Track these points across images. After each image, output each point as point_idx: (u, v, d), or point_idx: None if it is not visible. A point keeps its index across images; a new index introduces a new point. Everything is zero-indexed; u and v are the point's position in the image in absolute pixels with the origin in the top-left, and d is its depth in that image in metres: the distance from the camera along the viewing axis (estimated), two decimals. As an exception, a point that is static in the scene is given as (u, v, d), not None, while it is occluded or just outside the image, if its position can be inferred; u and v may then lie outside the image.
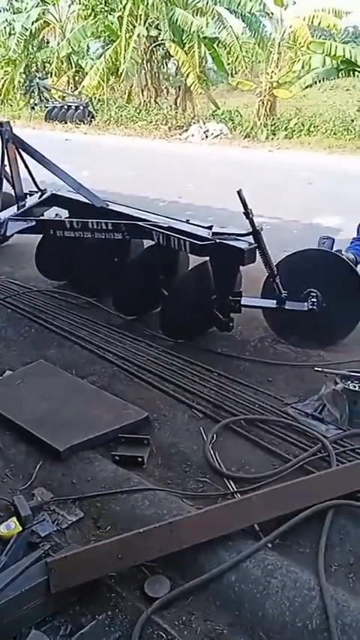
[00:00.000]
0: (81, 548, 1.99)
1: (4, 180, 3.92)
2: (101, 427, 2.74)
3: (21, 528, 2.15)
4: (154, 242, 3.64)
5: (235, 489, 2.43)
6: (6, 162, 3.81)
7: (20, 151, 3.87)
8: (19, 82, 23.38)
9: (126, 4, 18.15)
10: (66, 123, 18.82)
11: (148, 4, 17.59)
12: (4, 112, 21.80)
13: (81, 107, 19.18)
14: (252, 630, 1.84)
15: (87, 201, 3.94)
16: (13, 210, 3.93)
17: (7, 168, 3.85)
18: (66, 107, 19.52)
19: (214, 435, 2.76)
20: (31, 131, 15.75)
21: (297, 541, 2.16)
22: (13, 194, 4.19)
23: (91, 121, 18.95)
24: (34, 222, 3.81)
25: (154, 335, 3.76)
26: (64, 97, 21.59)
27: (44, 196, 4.19)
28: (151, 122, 18.15)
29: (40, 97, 22.14)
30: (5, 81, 23.50)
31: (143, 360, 3.44)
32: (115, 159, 11.91)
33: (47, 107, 20.27)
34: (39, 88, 22.21)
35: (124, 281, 3.84)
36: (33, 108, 21.56)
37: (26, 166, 4.00)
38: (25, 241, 4.73)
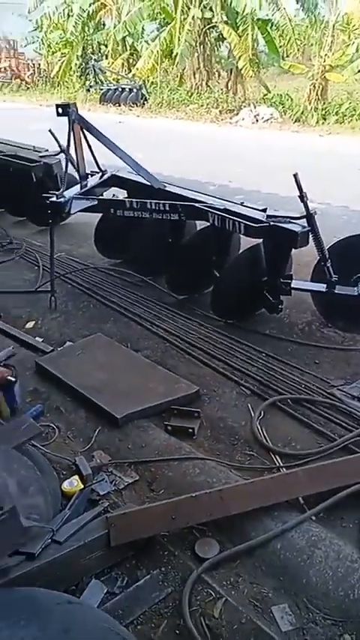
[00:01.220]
0: (138, 507, 2.13)
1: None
2: (155, 398, 2.87)
3: (82, 486, 2.32)
4: (208, 223, 3.72)
5: (281, 464, 2.52)
6: (71, 142, 3.93)
7: (84, 131, 3.98)
8: (76, 64, 23.62)
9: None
10: (119, 105, 18.91)
11: (203, -15, 17.41)
12: (61, 94, 22.11)
13: (134, 90, 19.22)
14: (296, 596, 1.93)
15: (145, 182, 4.04)
16: (76, 189, 4.07)
17: (72, 149, 3.98)
18: (120, 90, 19.59)
19: (262, 412, 2.85)
20: (87, 113, 15.76)
21: (340, 516, 2.23)
22: (76, 174, 4.33)
23: (143, 104, 18.98)
24: (96, 202, 3.94)
25: (204, 314, 3.86)
26: (118, 79, 21.67)
27: (105, 177, 4.31)
28: (202, 105, 18.04)
29: (95, 79, 22.30)
30: (62, 63, 23.79)
31: (194, 338, 3.55)
32: (166, 142, 11.95)
33: (102, 89, 20.40)
34: (95, 70, 22.36)
35: (178, 261, 3.94)
36: (88, 90, 21.73)
37: (89, 147, 4.13)
38: (83, 220, 4.89)
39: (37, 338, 3.65)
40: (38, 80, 25.70)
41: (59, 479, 2.37)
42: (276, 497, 2.20)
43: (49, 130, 5.14)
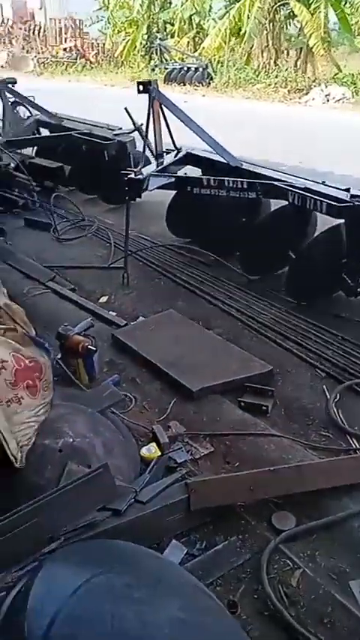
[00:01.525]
0: (218, 476, 2.19)
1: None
2: (229, 374, 2.91)
3: (160, 453, 2.40)
4: (284, 203, 3.69)
5: (358, 447, 2.51)
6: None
7: (163, 109, 4.02)
8: (141, 43, 23.61)
9: None
10: (184, 85, 18.81)
11: None
12: (125, 74, 22.20)
13: (200, 69, 19.06)
14: (375, 574, 1.95)
15: (221, 160, 4.05)
16: (152, 166, 4.12)
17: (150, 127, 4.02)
18: (185, 69, 19.48)
19: (338, 395, 2.84)
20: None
21: None
22: (149, 151, 4.38)
23: (209, 83, 18.81)
24: (173, 179, 3.98)
25: (277, 295, 3.84)
26: (183, 58, 21.53)
27: (180, 155, 4.34)
28: (269, 85, 17.70)
29: (160, 58, 22.24)
30: (127, 42, 23.85)
31: (266, 319, 3.56)
32: (233, 122, 11.81)
33: (167, 69, 20.33)
34: (160, 50, 22.28)
35: (252, 241, 3.93)
36: (153, 69, 21.71)
37: (167, 125, 4.16)
38: (153, 200, 4.95)
39: (110, 312, 3.75)
40: (102, 60, 25.88)
41: (137, 445, 2.47)
42: (355, 477, 2.21)
43: (125, 108, 5.22)
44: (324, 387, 2.93)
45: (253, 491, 2.12)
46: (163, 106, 4.02)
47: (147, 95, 3.92)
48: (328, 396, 2.82)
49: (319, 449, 2.50)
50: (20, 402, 2.02)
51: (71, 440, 2.14)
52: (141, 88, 3.92)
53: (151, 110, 3.94)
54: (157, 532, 2.03)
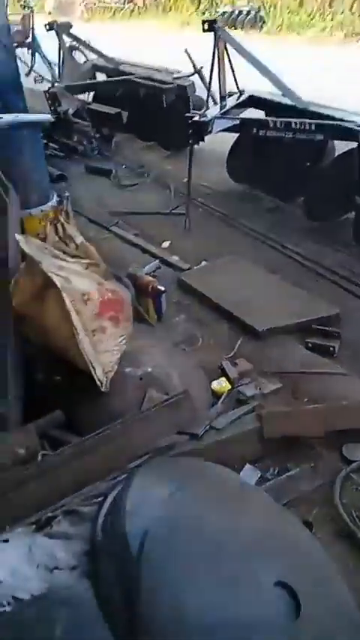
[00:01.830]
0: (290, 408, 2.27)
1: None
2: (295, 316, 2.96)
3: (230, 387, 2.49)
4: (351, 147, 3.61)
5: None
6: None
7: (228, 49, 3.92)
8: (190, -15, 22.65)
9: None
10: (236, 29, 18.06)
11: None
12: (174, 19, 21.45)
13: (252, 12, 18.22)
14: None
15: (286, 102, 3.96)
16: (216, 109, 4.07)
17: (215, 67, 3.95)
18: (237, 12, 18.66)
19: None
20: (202, 36, 15.43)
21: None
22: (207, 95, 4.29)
23: (261, 27, 17.99)
24: (238, 121, 3.93)
25: (342, 241, 3.80)
26: (234, 1, 20.58)
27: (242, 97, 4.25)
28: (324, 29, 16.79)
29: (210, 1, 21.32)
30: (176, -14, 22.93)
31: (331, 263, 3.54)
32: (288, 66, 11.36)
33: (217, 12, 19.51)
34: (210, -8, 21.33)
35: (317, 185, 3.88)
36: (203, 13, 20.88)
37: (231, 66, 4.07)
38: (210, 147, 4.89)
39: (173, 257, 3.81)
40: (150, 5, 25.03)
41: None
42: None
43: (185, 50, 5.11)
44: (392, 331, 2.93)
45: (325, 424, 2.19)
46: (227, 47, 3.92)
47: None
48: None
49: (388, 389, 2.53)
50: (104, 332, 2.12)
51: (150, 369, 2.25)
52: (206, 26, 3.83)
53: (215, 50, 3.85)
54: (232, 457, 2.13)
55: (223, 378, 2.55)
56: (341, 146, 3.86)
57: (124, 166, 5.42)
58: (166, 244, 4.05)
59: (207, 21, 3.86)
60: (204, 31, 3.88)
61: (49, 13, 24.09)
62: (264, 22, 18.28)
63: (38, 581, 1.41)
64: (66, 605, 1.29)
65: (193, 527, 1.45)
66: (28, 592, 1.38)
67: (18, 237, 2.17)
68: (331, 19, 17.12)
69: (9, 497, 1.80)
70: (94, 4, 24.74)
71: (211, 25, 3.85)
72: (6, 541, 1.55)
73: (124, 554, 1.23)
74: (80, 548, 1.39)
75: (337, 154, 3.98)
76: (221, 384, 2.51)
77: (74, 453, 1.90)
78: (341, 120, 3.59)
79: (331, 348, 2.78)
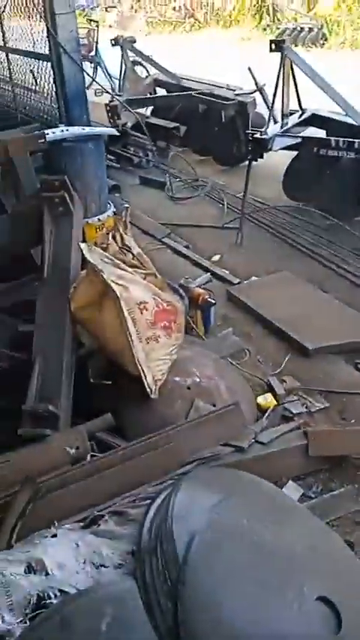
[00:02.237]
0: (336, 428, 2.27)
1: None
2: (345, 336, 2.94)
3: (276, 403, 2.51)
4: None
5: None
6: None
7: (293, 69, 3.97)
8: (251, 2, 22.82)
9: None
10: (297, 45, 18.08)
11: None
12: (235, 35, 21.65)
13: (315, 29, 18.20)
14: None
15: (348, 121, 3.96)
16: (277, 127, 4.11)
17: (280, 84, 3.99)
18: (299, 29, 18.68)
19: None
20: (262, 52, 15.48)
21: None
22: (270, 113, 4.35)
23: (323, 44, 17.95)
24: (299, 139, 3.97)
25: None
26: (296, 18, 20.63)
27: (304, 115, 4.28)
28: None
29: (272, 18, 21.45)
30: (237, 1, 23.15)
31: (385, 285, 3.51)
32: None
33: (279, 28, 19.59)
34: (272, 9, 21.48)
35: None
36: (265, 29, 21.02)
37: (295, 84, 4.10)
38: (266, 163, 4.92)
39: (223, 270, 3.85)
40: (211, 19, 25.32)
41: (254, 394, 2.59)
42: None
43: (248, 68, 5.17)
44: None
45: (371, 446, 2.18)
46: (293, 65, 3.96)
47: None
48: None
49: None
50: (157, 341, 2.19)
51: (198, 380, 2.30)
52: (273, 46, 3.89)
53: (281, 69, 3.90)
54: (276, 472, 2.15)
55: (269, 394, 2.57)
56: None
57: (178, 179, 5.51)
58: (216, 258, 4.10)
59: (275, 41, 3.92)
60: (271, 50, 3.94)
61: (110, 26, 24.77)
62: (326, 39, 18.25)
63: (84, 576, 1.47)
64: (111, 601, 1.33)
65: (238, 536, 1.48)
66: (75, 586, 1.44)
67: (82, 245, 2.27)
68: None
69: (57, 495, 1.86)
70: (155, 17, 25.28)
71: (278, 45, 3.90)
72: (54, 536, 1.61)
73: (170, 556, 1.27)
74: (126, 548, 1.43)
75: None
76: (267, 400, 2.52)
77: (122, 456, 1.96)
78: None
79: (381, 371, 2.76)
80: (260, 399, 2.54)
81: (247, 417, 2.34)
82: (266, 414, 2.40)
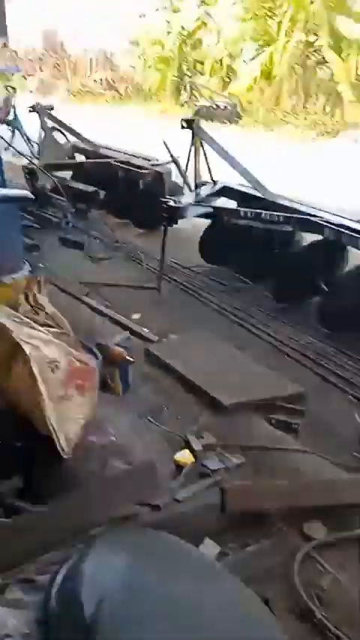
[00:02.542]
0: (252, 483, 2.28)
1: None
2: (261, 393, 3.02)
3: (193, 459, 2.50)
4: (318, 237, 3.85)
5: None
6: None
7: (203, 144, 4.24)
8: (171, 80, 24.36)
9: (287, 10, 18.30)
10: (212, 121, 19.30)
11: (309, 10, 17.62)
12: (154, 108, 22.85)
13: (229, 107, 19.60)
14: None
15: (256, 194, 4.24)
16: (191, 196, 4.33)
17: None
18: (214, 106, 20.03)
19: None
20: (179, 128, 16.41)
21: None
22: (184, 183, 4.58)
23: (237, 122, 19.32)
24: (211, 209, 4.18)
25: (308, 322, 3.95)
26: (212, 96, 22.14)
27: (216, 187, 4.54)
28: (297, 127, 18.16)
29: (190, 95, 22.92)
30: (157, 78, 24.61)
31: (297, 344, 3.67)
32: (260, 160, 12.13)
33: (196, 105, 20.91)
34: (190, 87, 22.99)
35: (284, 270, 4.08)
36: (182, 105, 22.35)
37: (206, 159, 4.37)
38: (182, 227, 5.13)
39: (143, 329, 3.89)
40: (132, 93, 26.64)
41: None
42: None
43: (163, 142, 5.47)
44: (356, 415, 3.00)
45: (287, 500, 2.20)
46: (203, 141, 4.24)
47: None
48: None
49: (351, 468, 2.56)
50: (70, 400, 2.14)
51: (114, 438, 2.26)
52: (184, 124, 4.16)
53: (193, 145, 4.15)
54: (193, 529, 2.10)
55: (187, 450, 2.56)
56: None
57: (97, 240, 5.59)
58: (136, 316, 4.13)
59: (186, 119, 4.20)
60: (182, 128, 4.21)
61: (31, 91, 25.31)
62: (240, 117, 19.67)
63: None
64: None
65: (149, 597, 1.43)
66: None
67: (-10, 304, 2.22)
68: (304, 119, 18.53)
69: None
70: (76, 87, 26.15)
71: (189, 124, 4.17)
72: None
73: (79, 621, 1.21)
74: (33, 616, 1.35)
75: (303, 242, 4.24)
76: (185, 456, 2.51)
77: (28, 521, 1.87)
78: (308, 214, 3.85)
79: (294, 425, 2.83)
80: (178, 456, 2.52)
81: (163, 475, 2.31)
82: (183, 471, 2.38)
